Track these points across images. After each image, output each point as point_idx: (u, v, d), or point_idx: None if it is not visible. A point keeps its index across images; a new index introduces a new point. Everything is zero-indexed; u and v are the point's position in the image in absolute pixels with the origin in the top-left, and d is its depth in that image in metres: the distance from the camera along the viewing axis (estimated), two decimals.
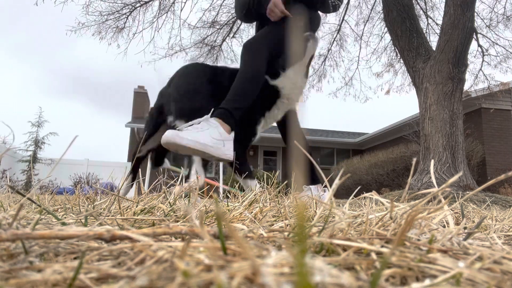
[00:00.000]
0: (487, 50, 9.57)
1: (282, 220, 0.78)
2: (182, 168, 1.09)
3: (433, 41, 9.36)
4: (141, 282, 0.30)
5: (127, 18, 9.61)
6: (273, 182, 1.36)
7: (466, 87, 7.21)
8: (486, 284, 0.33)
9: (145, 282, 0.30)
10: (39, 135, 13.29)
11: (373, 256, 0.41)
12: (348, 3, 10.54)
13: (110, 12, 9.33)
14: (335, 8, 2.37)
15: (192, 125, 1.80)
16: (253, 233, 0.52)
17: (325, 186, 2.03)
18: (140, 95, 18.71)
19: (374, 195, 0.70)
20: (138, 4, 9.45)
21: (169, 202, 0.96)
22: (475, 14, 6.75)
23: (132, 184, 2.35)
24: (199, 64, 2.40)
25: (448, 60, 6.13)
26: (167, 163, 2.56)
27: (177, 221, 0.77)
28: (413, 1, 7.89)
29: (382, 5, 7.48)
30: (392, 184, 10.61)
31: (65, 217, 0.73)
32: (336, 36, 11.13)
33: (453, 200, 3.12)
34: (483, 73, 9.70)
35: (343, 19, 10.88)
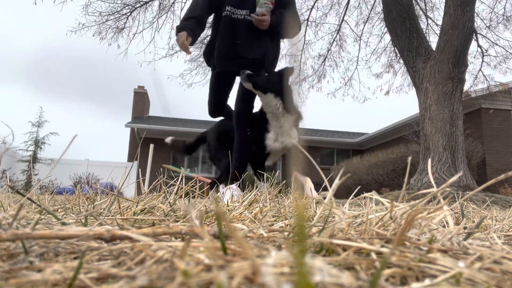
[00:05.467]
0: (486, 51, 9.58)
1: (282, 220, 0.78)
2: (182, 168, 1.09)
3: (433, 41, 9.36)
4: (141, 282, 0.30)
5: (127, 18, 9.62)
6: (273, 182, 1.36)
7: (466, 87, 7.21)
8: (486, 284, 0.33)
9: (145, 282, 0.30)
10: (39, 135, 13.29)
11: (373, 256, 0.41)
12: (348, 3, 10.54)
13: (110, 13, 9.33)
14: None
15: None
16: (253, 233, 0.52)
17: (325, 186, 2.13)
18: (140, 95, 18.70)
19: (374, 195, 0.70)
20: (138, 4, 9.45)
21: (169, 202, 0.96)
22: (475, 14, 6.75)
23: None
24: None
25: (448, 60, 6.13)
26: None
27: (177, 221, 0.77)
28: (413, 1, 7.88)
29: (382, 5, 7.48)
30: (392, 184, 10.60)
31: (65, 217, 0.73)
32: (336, 36, 11.14)
33: (453, 200, 3.11)
34: (483, 73, 9.71)
35: (342, 20, 10.89)
